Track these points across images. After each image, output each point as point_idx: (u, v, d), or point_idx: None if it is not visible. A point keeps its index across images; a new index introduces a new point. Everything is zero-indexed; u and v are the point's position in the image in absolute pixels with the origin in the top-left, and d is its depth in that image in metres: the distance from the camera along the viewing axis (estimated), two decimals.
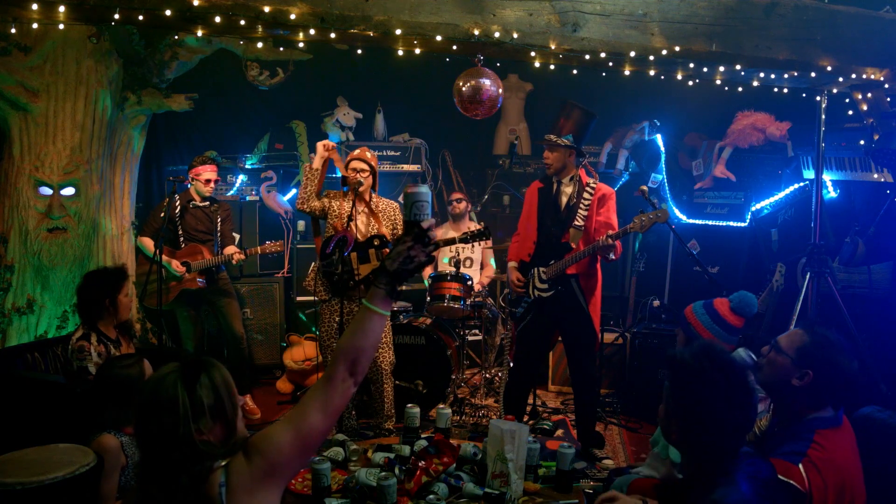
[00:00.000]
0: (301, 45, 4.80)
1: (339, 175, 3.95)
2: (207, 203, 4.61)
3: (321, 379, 1.48)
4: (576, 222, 3.66)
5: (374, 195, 3.99)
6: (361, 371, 1.48)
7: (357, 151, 3.95)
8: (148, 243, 4.48)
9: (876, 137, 4.69)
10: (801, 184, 4.76)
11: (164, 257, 4.36)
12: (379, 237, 3.89)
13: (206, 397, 1.44)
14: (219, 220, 4.62)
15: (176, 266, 4.40)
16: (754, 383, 1.63)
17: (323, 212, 3.93)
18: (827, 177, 4.65)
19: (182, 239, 4.51)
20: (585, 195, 3.68)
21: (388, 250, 3.84)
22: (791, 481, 1.73)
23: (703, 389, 1.58)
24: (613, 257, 3.58)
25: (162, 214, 4.37)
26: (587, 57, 4.14)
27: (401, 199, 5.87)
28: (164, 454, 1.39)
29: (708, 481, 1.60)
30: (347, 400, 1.49)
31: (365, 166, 3.89)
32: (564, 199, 3.77)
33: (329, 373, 1.47)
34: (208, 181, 4.54)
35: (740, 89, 4.90)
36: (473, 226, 5.46)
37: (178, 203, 4.51)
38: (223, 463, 1.41)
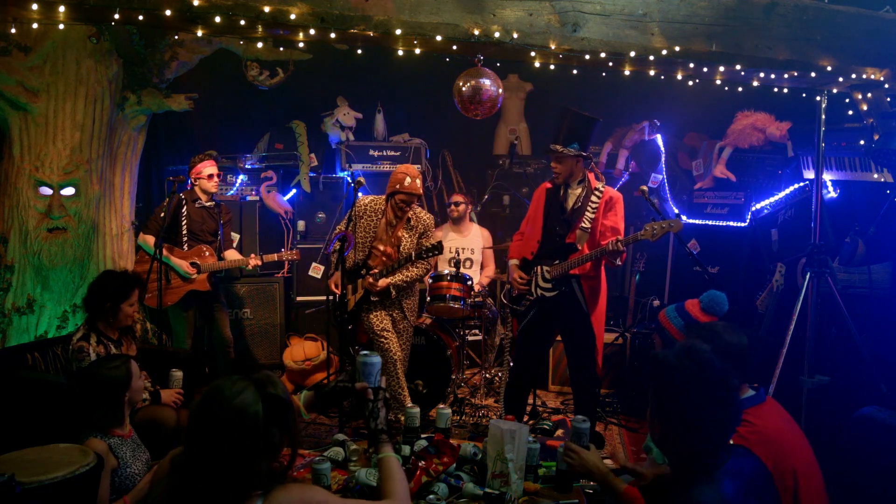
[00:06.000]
0: (301, 45, 4.80)
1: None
2: (213, 204, 4.61)
3: None
4: (582, 224, 3.66)
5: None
6: None
7: (408, 183, 3.88)
8: (150, 241, 4.42)
9: (876, 137, 4.68)
10: (801, 184, 4.76)
11: (173, 258, 4.36)
12: (364, 266, 4.01)
13: (279, 423, 1.51)
14: (221, 222, 4.62)
15: (186, 267, 4.38)
16: (735, 383, 1.70)
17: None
18: (827, 177, 4.65)
19: (185, 239, 4.48)
20: (593, 198, 3.67)
21: (370, 279, 3.95)
22: None
23: (683, 386, 1.65)
24: (619, 262, 3.59)
25: (162, 214, 4.35)
26: (587, 57, 4.14)
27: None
28: (218, 469, 1.44)
29: (688, 478, 1.63)
30: None
31: (413, 198, 3.94)
32: (571, 201, 3.76)
33: None
34: (211, 176, 4.52)
35: (740, 89, 4.90)
36: (475, 227, 5.45)
37: (184, 203, 4.49)
38: (259, 491, 1.45)
